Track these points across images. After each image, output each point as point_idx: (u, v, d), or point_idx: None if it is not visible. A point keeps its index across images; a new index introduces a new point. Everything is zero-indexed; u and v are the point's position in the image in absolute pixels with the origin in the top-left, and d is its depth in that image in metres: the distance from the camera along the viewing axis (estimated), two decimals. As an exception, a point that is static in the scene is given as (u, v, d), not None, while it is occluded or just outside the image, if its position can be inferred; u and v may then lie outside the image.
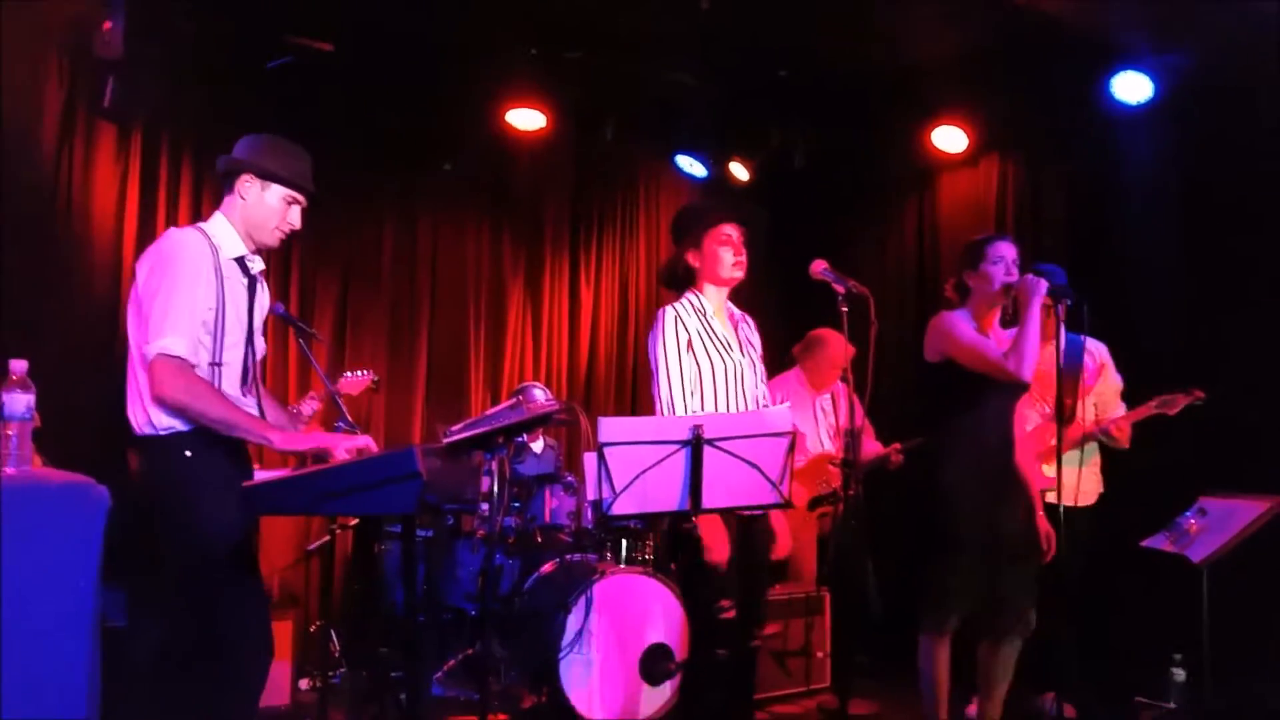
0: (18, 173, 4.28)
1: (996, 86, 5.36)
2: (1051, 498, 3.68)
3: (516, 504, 4.64)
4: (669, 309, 3.22)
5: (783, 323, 5.78)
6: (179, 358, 2.63)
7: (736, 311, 3.36)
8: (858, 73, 5.53)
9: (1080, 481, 3.84)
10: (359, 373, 4.68)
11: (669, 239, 6.67)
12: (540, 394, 4.94)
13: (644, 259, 6.74)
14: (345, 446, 2.66)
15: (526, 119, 5.75)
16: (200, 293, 2.70)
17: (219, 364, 2.74)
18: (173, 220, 4.97)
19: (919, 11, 4.86)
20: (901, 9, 4.83)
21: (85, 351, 4.51)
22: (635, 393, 6.55)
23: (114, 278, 4.72)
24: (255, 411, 2.84)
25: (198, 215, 5.02)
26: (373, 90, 5.35)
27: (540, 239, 6.39)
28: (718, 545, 2.96)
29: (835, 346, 4.98)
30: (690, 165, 6.47)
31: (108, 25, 4.38)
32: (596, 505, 4.26)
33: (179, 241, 2.75)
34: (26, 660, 2.14)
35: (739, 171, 6.39)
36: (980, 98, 5.54)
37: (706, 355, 3.16)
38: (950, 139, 5.78)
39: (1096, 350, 4.34)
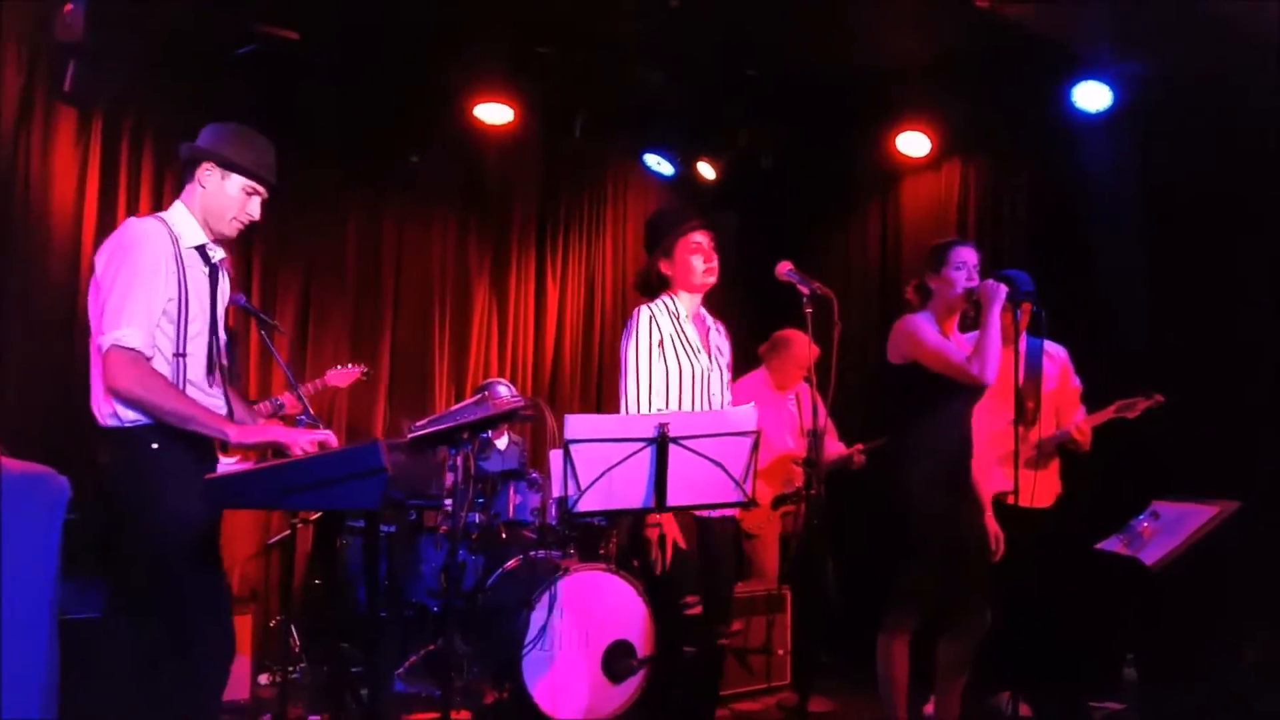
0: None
1: (959, 91, 5.43)
2: (1013, 500, 3.75)
3: (480, 500, 4.63)
4: (644, 308, 3.26)
5: (748, 323, 5.81)
6: (133, 349, 2.61)
7: (709, 318, 3.41)
8: (825, 74, 5.58)
9: (1037, 483, 3.90)
10: (349, 365, 4.69)
11: (636, 237, 6.77)
12: (505, 390, 4.93)
13: (610, 256, 6.75)
14: (302, 441, 2.65)
15: (495, 113, 5.73)
16: (159, 284, 2.68)
17: (183, 354, 2.72)
18: (133, 206, 4.90)
19: (887, 15, 4.91)
20: (869, 12, 4.88)
21: (43, 340, 4.45)
22: (600, 390, 6.55)
23: (73, 265, 4.64)
24: (220, 403, 2.82)
25: (159, 202, 4.95)
26: (339, 81, 5.30)
27: (507, 234, 6.37)
28: (669, 544, 3.00)
29: (800, 346, 5.03)
30: (658, 164, 6.49)
31: (69, 8, 4.31)
32: (561, 502, 4.26)
33: (138, 231, 2.73)
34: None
35: (706, 171, 6.42)
36: (943, 102, 5.62)
37: (676, 358, 3.20)
38: (914, 143, 5.86)
39: (1055, 353, 4.40)
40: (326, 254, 5.69)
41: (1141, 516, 3.50)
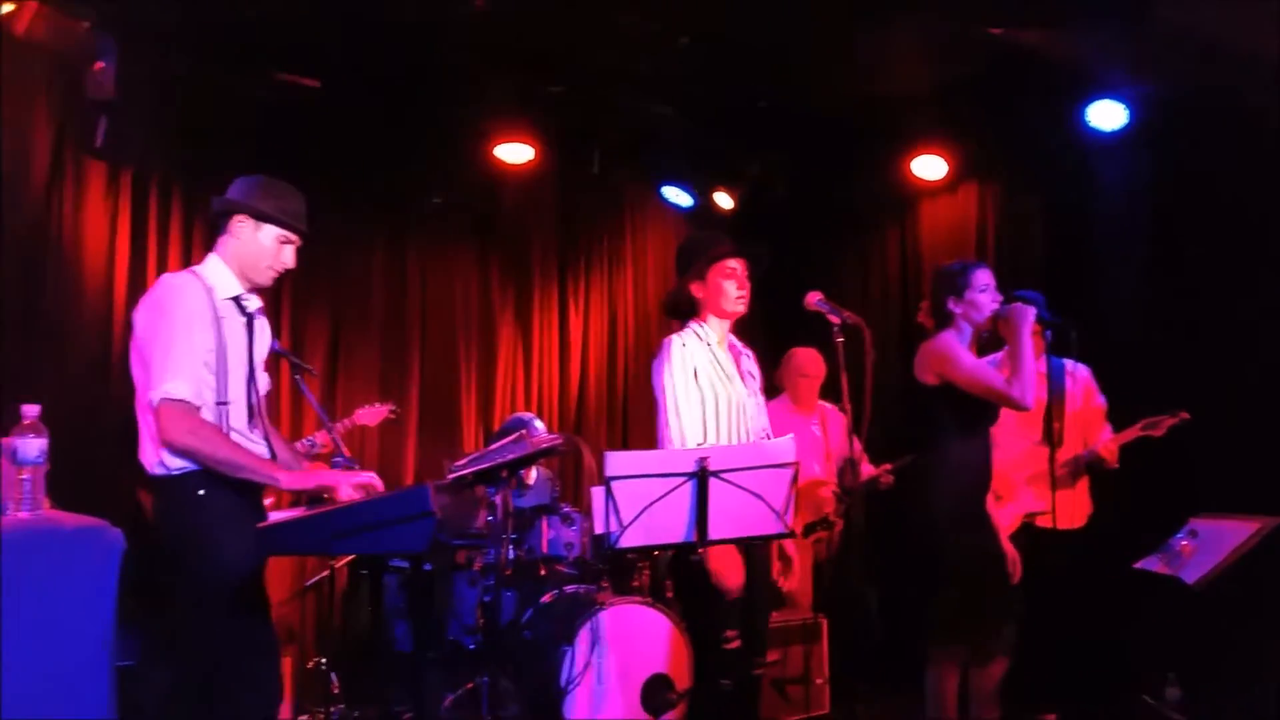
0: (9, 214, 4.28)
1: (975, 114, 5.46)
2: (1043, 521, 3.75)
3: (514, 536, 4.65)
4: (674, 337, 3.26)
5: (766, 351, 5.82)
6: (183, 400, 2.65)
7: (738, 344, 3.41)
8: (837, 103, 5.63)
9: (1069, 503, 3.91)
10: (377, 404, 4.75)
11: (656, 268, 6.82)
12: (539, 425, 4.97)
13: (632, 288, 6.80)
14: (351, 483, 2.68)
15: (515, 153, 5.80)
16: (198, 336, 2.73)
17: (225, 402, 2.77)
18: (163, 256, 4.97)
19: (897, 43, 4.96)
20: (880, 40, 4.93)
21: (78, 392, 4.50)
22: (626, 423, 6.58)
23: (105, 314, 4.71)
24: (264, 448, 2.87)
25: (188, 252, 5.04)
26: (361, 127, 5.38)
27: (529, 271, 6.43)
28: (731, 573, 3.00)
29: (801, 357, 5.16)
30: (676, 195, 6.55)
31: (99, 65, 4.41)
32: (599, 538, 4.28)
33: (173, 287, 2.79)
34: (47, 705, 2.14)
35: (723, 201, 6.47)
36: (959, 125, 5.65)
37: (712, 386, 3.21)
38: (930, 167, 5.89)
39: (1078, 373, 4.41)
40: (353, 296, 5.76)
41: (1179, 535, 3.50)
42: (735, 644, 3.11)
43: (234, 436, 2.78)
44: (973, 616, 3.46)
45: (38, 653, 2.13)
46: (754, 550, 3.20)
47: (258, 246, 2.90)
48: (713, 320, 3.31)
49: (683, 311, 3.34)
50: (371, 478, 2.75)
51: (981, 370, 3.48)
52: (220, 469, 2.65)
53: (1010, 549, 3.60)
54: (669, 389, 3.16)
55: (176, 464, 2.68)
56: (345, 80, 5.11)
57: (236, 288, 2.89)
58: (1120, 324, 4.82)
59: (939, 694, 3.53)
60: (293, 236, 2.95)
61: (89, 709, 2.29)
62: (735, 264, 3.29)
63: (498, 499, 3.09)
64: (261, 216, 2.89)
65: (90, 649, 2.31)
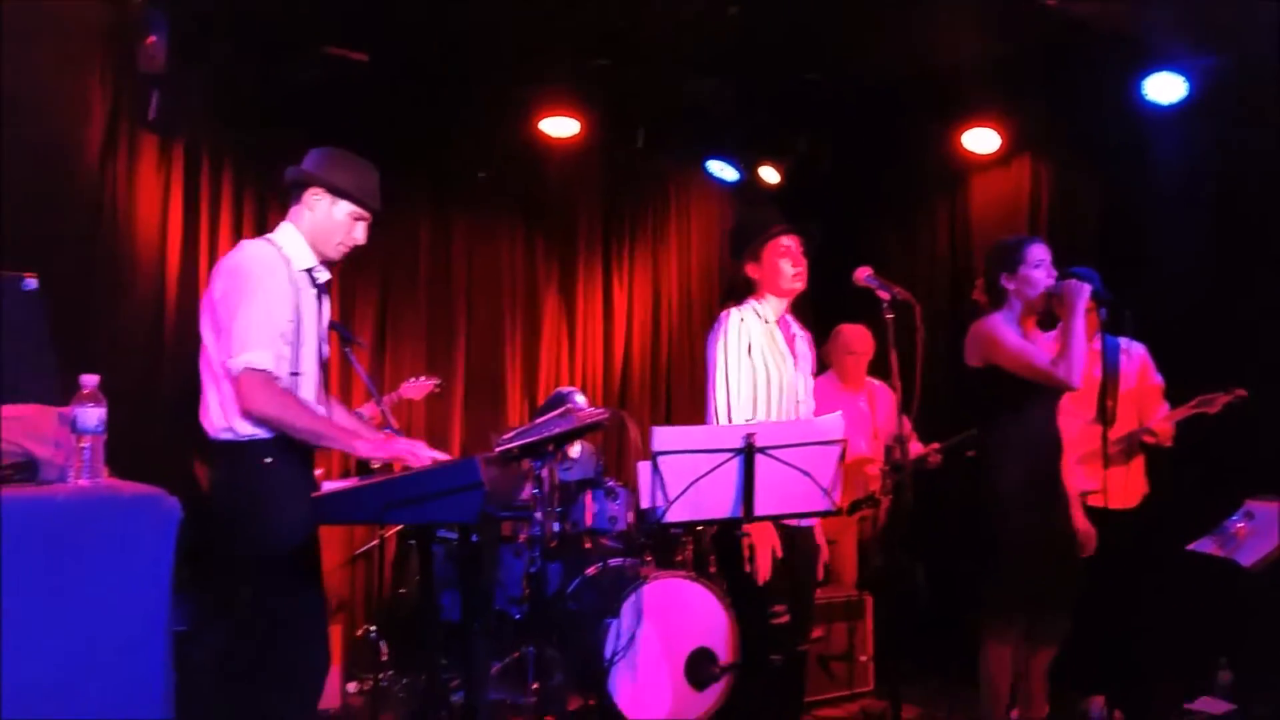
0: (65, 187, 4.36)
1: (1029, 87, 5.35)
2: (1095, 500, 3.70)
3: (559, 509, 4.68)
4: (733, 311, 3.25)
5: (813, 328, 5.77)
6: (265, 370, 2.67)
7: (794, 324, 3.39)
8: (888, 75, 5.55)
9: (1121, 482, 3.85)
10: (422, 378, 4.79)
11: (700, 244, 6.78)
12: (581, 400, 4.98)
13: (675, 263, 6.77)
14: (423, 453, 2.68)
15: (560, 127, 5.79)
16: (279, 307, 2.74)
17: (298, 373, 2.79)
18: (214, 229, 5.05)
19: (949, 13, 4.86)
20: (931, 11, 4.84)
21: (129, 359, 4.58)
22: (669, 397, 6.58)
23: (158, 285, 4.80)
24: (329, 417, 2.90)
25: (239, 223, 5.11)
26: (407, 101, 5.40)
27: (574, 245, 6.44)
28: (764, 554, 3.00)
29: (849, 334, 5.12)
30: (721, 170, 6.50)
31: (151, 40, 4.45)
32: (644, 512, 4.29)
33: (256, 256, 2.79)
34: (105, 670, 2.18)
35: (769, 175, 6.41)
36: (1012, 98, 5.54)
37: (765, 364, 3.20)
38: (982, 140, 5.78)
39: (1134, 351, 4.33)
40: (400, 269, 5.81)
41: (1235, 517, 3.44)
42: (784, 619, 3.11)
43: None
44: (1033, 599, 3.42)
45: (99, 617, 2.17)
46: (797, 530, 3.18)
47: (331, 221, 2.90)
48: (770, 299, 3.30)
49: (739, 294, 3.32)
50: (443, 457, 2.75)
51: (1025, 349, 3.43)
52: (301, 437, 2.68)
53: (1083, 522, 3.55)
54: (720, 362, 3.16)
55: (246, 430, 2.70)
56: (392, 54, 5.12)
57: (310, 259, 2.90)
58: (1178, 302, 4.71)
59: (993, 676, 3.49)
60: (366, 214, 2.95)
61: (148, 671, 2.34)
62: (789, 241, 3.26)
63: (544, 472, 3.10)
64: (337, 192, 2.89)
65: (149, 613, 2.35)
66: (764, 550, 3.03)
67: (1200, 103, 4.81)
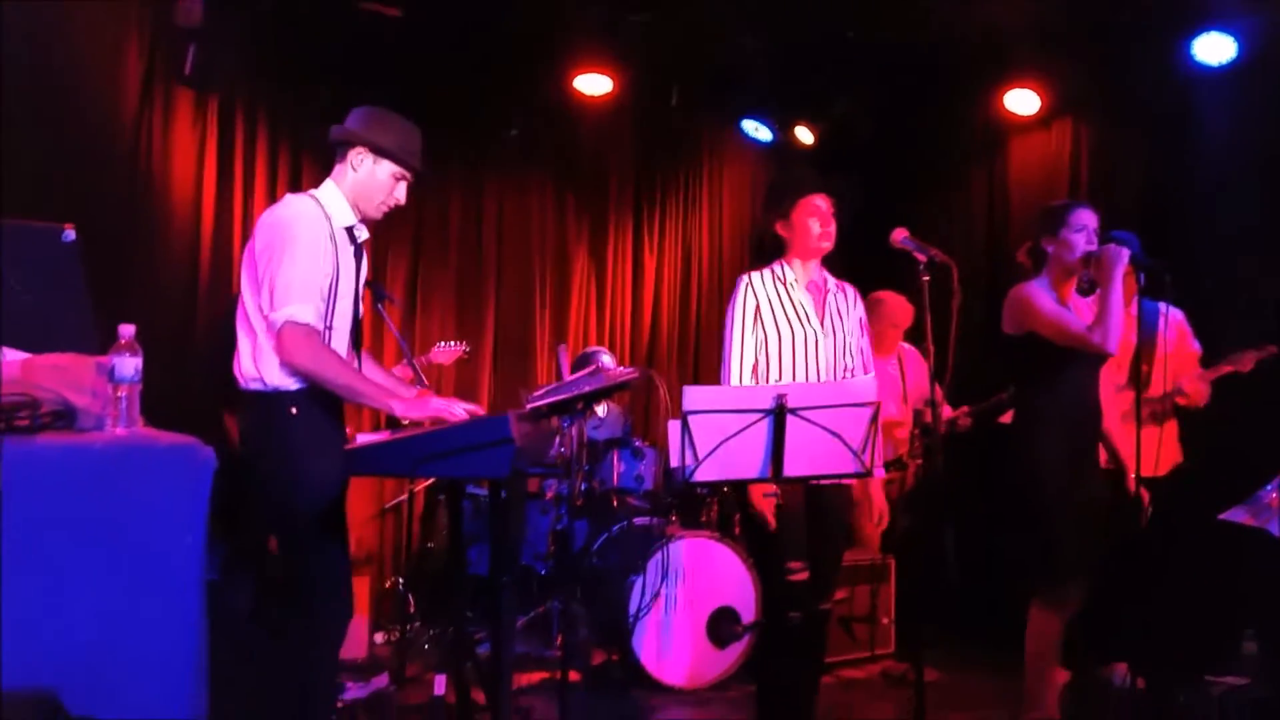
0: (101, 141, 4.39)
1: (1070, 47, 5.23)
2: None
3: (586, 467, 4.71)
4: (744, 277, 3.28)
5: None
6: (306, 324, 2.69)
7: (832, 282, 3.36)
8: (927, 34, 5.43)
9: (1154, 450, 3.80)
10: (451, 343, 4.82)
11: (732, 204, 6.73)
12: (608, 359, 4.99)
13: (707, 224, 6.74)
14: (460, 410, 2.68)
15: (593, 84, 5.75)
16: (320, 262, 2.76)
17: (330, 328, 2.81)
18: (249, 183, 5.07)
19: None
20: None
21: (164, 311, 4.63)
22: (697, 357, 6.58)
23: (193, 239, 4.84)
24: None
25: (274, 177, 5.13)
26: (440, 56, 5.38)
27: (605, 205, 6.42)
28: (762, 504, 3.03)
29: (893, 306, 5.01)
30: (756, 129, 6.43)
31: (187, -5, 4.46)
32: (671, 471, 4.30)
33: (299, 210, 2.80)
34: (142, 616, 2.22)
35: (804, 136, 6.34)
36: (1054, 59, 5.41)
37: (775, 325, 3.20)
38: (1022, 101, 5.67)
39: (1172, 317, 4.26)
40: (431, 226, 5.83)
41: (1269, 487, 3.39)
42: (801, 575, 3.11)
43: None
44: (1070, 558, 3.39)
45: (136, 563, 2.21)
46: (824, 489, 3.18)
47: (374, 181, 2.90)
48: (797, 260, 3.28)
49: (767, 252, 3.33)
50: (476, 408, 2.77)
51: (1061, 316, 3.38)
52: (338, 392, 2.71)
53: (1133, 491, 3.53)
54: (727, 327, 3.25)
55: (275, 381, 2.72)
56: (426, 9, 5.09)
57: (351, 217, 2.90)
58: (1223, 268, 4.63)
59: (1043, 644, 3.44)
60: (408, 175, 2.95)
61: (183, 618, 2.37)
62: (821, 201, 3.24)
63: (573, 431, 3.11)
64: (380, 152, 2.88)
65: (185, 560, 2.39)
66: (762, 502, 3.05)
67: (1249, 63, 4.69)
